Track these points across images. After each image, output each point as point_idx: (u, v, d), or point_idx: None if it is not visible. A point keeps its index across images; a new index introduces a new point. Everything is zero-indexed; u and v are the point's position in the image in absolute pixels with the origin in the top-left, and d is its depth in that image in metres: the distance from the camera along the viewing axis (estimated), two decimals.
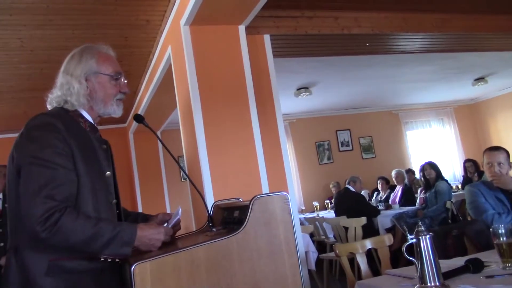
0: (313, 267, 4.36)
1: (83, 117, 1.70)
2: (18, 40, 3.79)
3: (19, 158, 1.53)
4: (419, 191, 6.83)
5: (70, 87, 1.67)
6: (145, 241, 1.55)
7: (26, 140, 1.54)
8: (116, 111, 1.76)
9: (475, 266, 1.86)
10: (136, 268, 1.37)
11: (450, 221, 5.55)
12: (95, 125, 1.75)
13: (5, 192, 3.73)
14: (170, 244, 1.66)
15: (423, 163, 6.27)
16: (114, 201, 1.70)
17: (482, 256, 2.01)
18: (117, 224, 1.56)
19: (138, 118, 1.95)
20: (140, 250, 1.56)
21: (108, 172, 1.68)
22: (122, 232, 1.51)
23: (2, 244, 3.53)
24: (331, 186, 8.54)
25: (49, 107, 1.72)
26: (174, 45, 3.61)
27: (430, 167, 6.04)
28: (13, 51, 3.99)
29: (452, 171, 10.08)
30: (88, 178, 1.56)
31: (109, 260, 1.55)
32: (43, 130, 1.53)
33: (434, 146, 10.21)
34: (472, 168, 7.40)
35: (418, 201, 6.64)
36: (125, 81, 1.79)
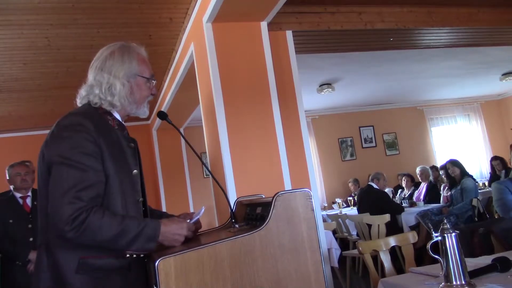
0: (336, 264, 4.34)
1: (112, 115, 1.71)
2: (45, 39, 3.88)
3: (49, 157, 1.56)
4: (441, 188, 6.72)
5: (111, 87, 1.67)
6: (168, 236, 1.57)
7: (57, 139, 1.57)
8: (145, 112, 1.80)
9: (503, 265, 1.82)
10: (160, 264, 1.39)
11: (476, 219, 5.45)
12: (123, 123, 1.77)
13: (34, 189, 3.85)
14: (193, 240, 1.68)
15: (444, 161, 6.19)
16: (141, 199, 1.72)
17: (510, 254, 1.97)
18: (142, 220, 1.59)
19: (162, 115, 1.97)
20: (164, 245, 1.58)
21: (135, 171, 1.69)
22: (147, 227, 1.53)
23: (31, 239, 3.63)
24: (349, 183, 8.47)
25: (78, 103, 1.73)
26: (197, 43, 3.63)
27: (453, 165, 5.94)
28: (40, 50, 4.09)
29: (479, 168, 9.87)
30: (116, 177, 1.58)
31: (134, 256, 1.58)
32: (73, 131, 1.55)
33: (460, 142, 10.00)
34: (499, 166, 7.24)
35: (441, 198, 6.53)
36: (155, 83, 1.82)
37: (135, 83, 1.73)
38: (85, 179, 1.49)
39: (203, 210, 1.81)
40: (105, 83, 1.68)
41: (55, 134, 1.58)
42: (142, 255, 1.60)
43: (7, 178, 3.81)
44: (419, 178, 7.20)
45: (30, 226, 3.68)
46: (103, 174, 1.54)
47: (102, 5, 3.43)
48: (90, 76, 1.72)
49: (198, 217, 1.79)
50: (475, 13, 4.45)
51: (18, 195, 3.78)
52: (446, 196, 6.35)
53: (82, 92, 1.72)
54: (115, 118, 1.72)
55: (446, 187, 6.52)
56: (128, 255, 1.57)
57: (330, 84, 7.06)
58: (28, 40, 3.83)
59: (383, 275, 2.39)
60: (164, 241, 1.57)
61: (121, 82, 1.68)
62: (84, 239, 1.47)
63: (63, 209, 1.44)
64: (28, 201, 3.79)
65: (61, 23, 3.62)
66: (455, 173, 5.90)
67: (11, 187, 3.81)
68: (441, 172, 6.69)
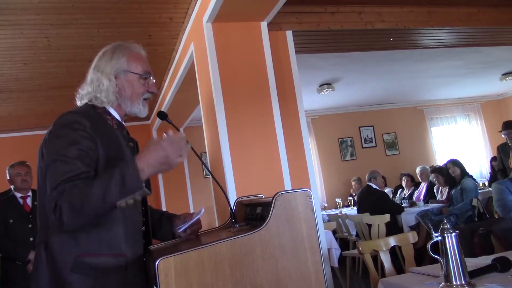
0: (336, 264, 4.34)
1: (110, 114, 1.72)
2: (45, 39, 3.88)
3: (47, 156, 1.57)
4: (435, 189, 6.72)
5: (99, 84, 1.69)
6: (153, 163, 1.48)
7: (53, 137, 1.57)
8: (141, 110, 1.77)
9: (503, 265, 1.82)
10: (160, 263, 1.39)
11: (476, 219, 5.46)
12: (122, 123, 1.77)
13: (34, 189, 3.85)
14: (193, 240, 1.68)
15: (444, 162, 6.24)
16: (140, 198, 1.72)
17: (510, 254, 1.97)
18: (115, 168, 1.48)
19: (162, 115, 1.97)
20: (163, 171, 1.52)
21: None
22: (126, 174, 1.45)
23: (32, 239, 3.64)
24: (352, 181, 8.47)
25: (78, 103, 1.74)
26: (197, 42, 3.63)
27: (454, 165, 5.96)
28: (40, 50, 4.09)
29: (479, 168, 9.86)
30: None
31: (131, 201, 1.49)
32: (69, 128, 1.55)
33: (460, 142, 10.00)
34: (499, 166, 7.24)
35: (439, 196, 6.54)
36: (154, 81, 1.81)
37: (126, 80, 1.72)
38: (74, 169, 1.48)
39: (203, 210, 1.80)
40: (95, 80, 1.70)
41: (53, 132, 1.59)
42: (143, 259, 1.58)
43: (8, 178, 3.82)
44: (419, 178, 7.21)
45: (30, 226, 3.68)
46: (93, 169, 1.53)
47: (102, 5, 3.43)
48: (88, 76, 1.75)
49: (198, 216, 1.78)
50: (475, 13, 4.45)
51: (18, 195, 3.79)
52: (442, 198, 6.37)
53: (80, 91, 1.74)
54: (114, 118, 1.72)
55: (440, 188, 6.53)
56: (123, 204, 1.47)
57: (330, 84, 7.06)
58: (28, 40, 3.83)
59: (383, 275, 2.39)
60: (155, 167, 1.49)
61: (108, 78, 1.69)
62: (74, 221, 1.43)
63: (50, 201, 1.45)
64: (29, 201, 3.80)
65: (61, 23, 3.62)
66: (455, 172, 5.91)
67: (12, 187, 3.81)
68: (432, 175, 6.61)
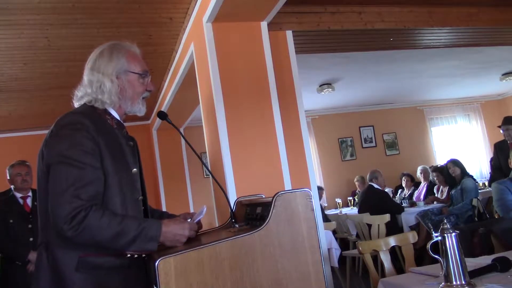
0: (336, 264, 4.34)
1: (110, 114, 1.72)
2: (45, 39, 3.88)
3: (49, 156, 1.56)
4: (435, 189, 6.73)
5: (101, 85, 1.68)
6: (169, 237, 1.56)
7: (56, 138, 1.57)
8: (141, 109, 1.79)
9: (503, 265, 1.82)
10: (160, 263, 1.39)
11: (476, 219, 5.46)
12: (122, 122, 1.77)
13: (34, 189, 3.85)
14: (193, 240, 1.68)
15: (444, 162, 6.25)
16: (141, 197, 1.72)
17: (510, 254, 1.97)
18: (142, 220, 1.58)
19: (162, 115, 1.97)
20: (166, 245, 1.58)
21: (134, 169, 1.69)
22: (148, 228, 1.53)
23: (32, 239, 3.63)
24: (355, 180, 8.46)
25: (76, 104, 1.73)
26: (197, 42, 3.63)
27: (454, 165, 5.96)
28: (40, 50, 4.09)
29: (479, 168, 9.86)
30: (115, 175, 1.58)
31: (135, 256, 1.58)
32: (71, 129, 1.55)
33: (460, 142, 10.00)
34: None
35: (438, 194, 6.55)
36: (150, 79, 1.81)
37: (127, 80, 1.73)
38: (84, 177, 1.49)
39: (205, 209, 1.79)
40: (96, 82, 1.68)
41: (54, 133, 1.59)
42: (143, 255, 1.60)
43: (8, 178, 3.82)
44: (421, 177, 7.21)
45: (30, 226, 3.68)
46: (101, 172, 1.54)
47: (102, 5, 3.42)
48: (84, 77, 1.73)
49: (201, 217, 1.77)
50: (475, 13, 4.45)
51: (18, 195, 3.79)
52: (441, 197, 6.38)
53: (78, 93, 1.73)
54: (113, 118, 1.72)
55: (441, 188, 6.55)
56: (128, 255, 1.56)
57: (330, 84, 7.06)
58: (28, 40, 3.83)
59: (383, 275, 2.39)
60: (166, 241, 1.56)
61: (110, 79, 1.69)
62: (83, 238, 1.46)
63: (62, 208, 1.44)
64: (29, 201, 3.80)
65: (61, 23, 3.62)
66: (455, 172, 5.91)
67: (12, 187, 3.81)
68: (433, 174, 6.66)
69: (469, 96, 9.93)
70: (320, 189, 7.20)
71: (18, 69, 4.48)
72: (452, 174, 5.97)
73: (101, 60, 1.72)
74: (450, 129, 10.05)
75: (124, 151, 1.68)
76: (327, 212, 7.60)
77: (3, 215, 3.67)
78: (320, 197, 7.50)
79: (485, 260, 2.02)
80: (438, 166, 7.13)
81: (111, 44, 1.77)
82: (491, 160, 7.42)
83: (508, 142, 5.30)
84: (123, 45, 1.77)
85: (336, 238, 5.10)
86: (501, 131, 5.34)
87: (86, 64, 1.76)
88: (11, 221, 3.66)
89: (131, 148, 1.73)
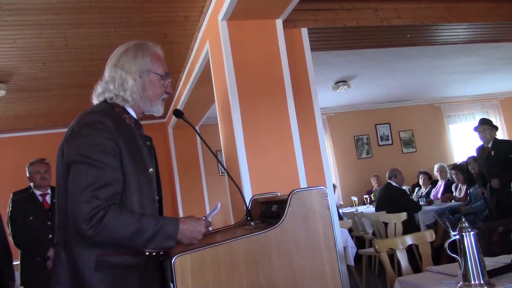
0: (352, 262, 4.32)
1: (128, 113, 1.72)
2: (63, 39, 3.93)
3: (69, 155, 1.57)
4: (453, 187, 6.64)
5: (123, 82, 1.69)
6: (187, 234, 1.57)
7: (77, 137, 1.58)
8: (160, 110, 1.80)
9: None
10: (176, 261, 1.40)
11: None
12: (139, 121, 1.78)
13: (53, 186, 3.91)
14: (209, 237, 1.69)
15: (463, 159, 6.17)
16: (157, 197, 1.73)
17: None
18: (160, 218, 1.59)
19: (178, 113, 1.98)
20: (182, 243, 1.59)
21: (151, 169, 1.70)
22: (165, 226, 1.54)
23: (51, 236, 3.70)
24: (371, 178, 8.40)
25: (95, 100, 1.74)
26: (212, 41, 3.64)
27: (474, 161, 5.86)
28: (58, 50, 4.15)
29: None
30: (134, 175, 1.59)
31: (153, 253, 1.59)
32: (93, 128, 1.56)
33: (478, 140, 9.82)
34: None
35: (456, 193, 6.46)
36: (170, 81, 1.83)
37: (148, 80, 1.73)
38: (103, 177, 1.50)
39: (219, 205, 1.78)
40: (118, 78, 1.69)
41: (75, 132, 1.60)
42: (161, 253, 1.61)
43: (27, 175, 3.88)
44: (438, 175, 7.12)
45: (49, 223, 3.74)
46: (120, 172, 1.56)
47: (119, 4, 3.46)
48: (106, 73, 1.74)
49: (215, 212, 1.77)
50: (494, 8, 4.37)
51: (37, 192, 3.85)
52: (460, 196, 6.30)
53: (98, 88, 1.74)
54: (131, 117, 1.73)
55: (459, 186, 6.45)
56: (147, 253, 1.58)
57: (345, 81, 7.01)
58: (47, 40, 3.89)
59: (399, 273, 2.37)
60: (183, 238, 1.57)
61: (133, 77, 1.70)
62: (101, 237, 1.48)
63: (81, 207, 1.46)
64: (48, 198, 3.86)
65: (79, 22, 3.66)
66: (475, 169, 5.82)
67: (31, 184, 3.88)
68: (452, 172, 6.58)
69: (488, 92, 9.76)
70: (333, 186, 7.16)
71: (37, 69, 4.56)
72: (471, 171, 5.88)
73: (125, 58, 1.72)
74: (468, 126, 9.88)
75: (141, 150, 1.69)
76: (343, 210, 7.56)
77: (23, 212, 3.73)
78: None
79: (504, 259, 1.98)
80: (457, 164, 7.02)
81: (136, 43, 1.78)
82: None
83: (485, 146, 5.24)
84: (148, 45, 1.78)
85: (352, 237, 5.07)
86: (477, 133, 5.29)
87: (108, 60, 1.77)
88: (30, 218, 3.72)
89: (148, 148, 1.74)
